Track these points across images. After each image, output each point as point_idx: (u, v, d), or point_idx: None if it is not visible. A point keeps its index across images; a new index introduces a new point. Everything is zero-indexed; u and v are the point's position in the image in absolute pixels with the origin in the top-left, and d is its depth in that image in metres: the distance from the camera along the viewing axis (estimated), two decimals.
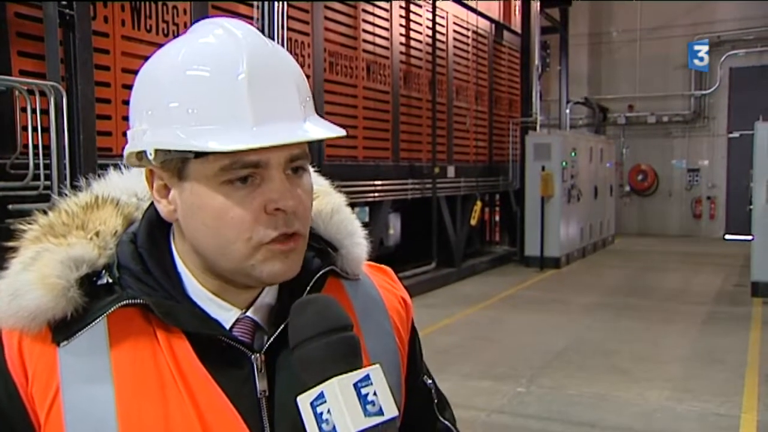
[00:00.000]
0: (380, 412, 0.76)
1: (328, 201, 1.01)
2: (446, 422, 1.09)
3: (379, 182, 8.83)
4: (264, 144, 0.77)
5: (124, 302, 0.83)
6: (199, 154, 0.80)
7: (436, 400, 1.09)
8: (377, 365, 0.79)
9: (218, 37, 0.82)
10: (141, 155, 0.86)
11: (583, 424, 4.73)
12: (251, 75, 0.79)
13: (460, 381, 5.56)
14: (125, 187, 0.96)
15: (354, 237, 1.00)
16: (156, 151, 0.82)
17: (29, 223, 0.89)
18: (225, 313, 0.88)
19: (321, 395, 0.76)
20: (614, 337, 7.14)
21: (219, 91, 0.79)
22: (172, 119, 0.80)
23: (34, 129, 4.16)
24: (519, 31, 13.23)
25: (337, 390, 0.75)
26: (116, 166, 0.98)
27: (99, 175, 0.97)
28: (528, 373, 5.81)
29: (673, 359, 6.28)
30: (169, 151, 0.81)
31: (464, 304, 8.96)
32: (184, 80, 0.80)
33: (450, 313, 8.26)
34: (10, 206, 4.17)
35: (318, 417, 0.75)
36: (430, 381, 1.09)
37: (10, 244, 0.88)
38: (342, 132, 0.85)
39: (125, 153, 0.88)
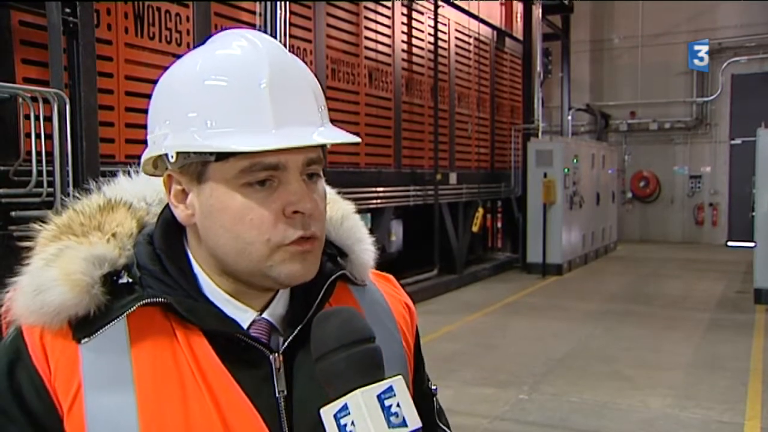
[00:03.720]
0: (404, 424, 0.76)
1: (338, 208, 1.03)
2: (444, 428, 1.11)
3: (381, 189, 8.84)
4: (285, 145, 0.80)
5: (146, 301, 0.84)
6: (219, 157, 0.82)
7: (437, 407, 1.10)
8: (399, 376, 0.79)
9: (241, 48, 0.85)
10: (157, 163, 0.89)
11: (585, 431, 4.72)
12: (272, 83, 0.82)
13: (462, 388, 5.55)
14: (134, 192, 0.97)
15: (363, 243, 1.02)
16: (177, 155, 0.84)
17: (45, 223, 0.90)
18: (241, 314, 0.89)
19: (345, 407, 0.76)
20: (616, 344, 7.12)
21: (241, 98, 0.81)
22: (195, 123, 0.82)
23: (38, 136, 4.17)
24: (521, 37, 13.25)
25: (361, 402, 0.76)
26: (121, 173, 0.99)
27: (106, 181, 0.98)
28: (530, 380, 5.80)
29: (676, 366, 6.26)
30: (189, 154, 0.83)
31: (466, 310, 8.95)
32: (206, 90, 0.82)
33: (452, 320, 8.25)
34: (13, 213, 4.18)
35: (342, 429, 0.76)
36: (434, 387, 1.11)
37: (27, 244, 0.89)
38: (357, 139, 0.88)
39: (142, 160, 0.91)
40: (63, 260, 0.84)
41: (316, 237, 0.86)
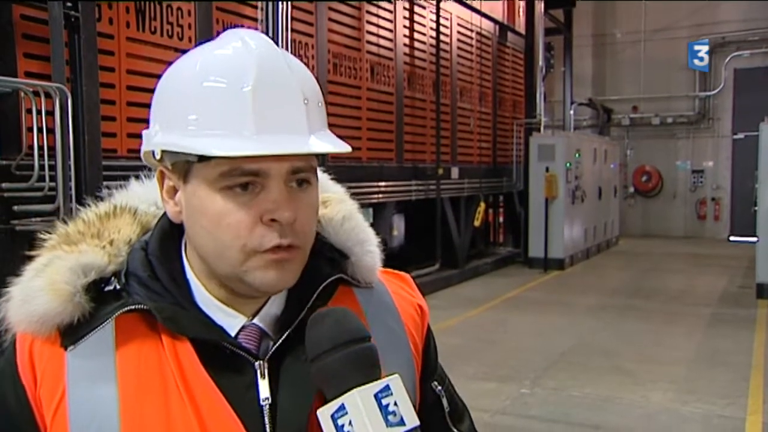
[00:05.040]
0: (402, 422, 0.76)
1: (339, 209, 1.01)
2: None
3: (383, 183, 8.84)
4: (258, 152, 0.78)
5: (129, 308, 0.85)
6: (202, 158, 0.81)
7: (448, 409, 1.04)
8: (396, 375, 0.79)
9: (233, 49, 0.84)
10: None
11: (586, 425, 4.73)
12: (257, 87, 0.80)
13: (464, 382, 5.55)
14: (145, 197, 0.98)
15: (365, 245, 0.99)
16: (164, 152, 0.85)
17: (48, 233, 0.92)
18: (231, 320, 0.89)
19: (342, 407, 0.76)
20: (618, 338, 7.13)
21: (224, 101, 0.81)
22: (180, 124, 0.82)
23: (39, 130, 4.17)
24: (523, 32, 13.23)
25: (359, 401, 0.75)
26: (133, 178, 1.00)
27: (118, 185, 1.00)
28: (531, 375, 5.81)
29: (678, 361, 6.27)
30: (177, 153, 0.83)
31: (468, 305, 8.96)
32: (194, 90, 0.82)
33: (453, 315, 8.26)
34: (15, 207, 4.18)
35: (339, 429, 0.75)
36: (440, 387, 1.04)
37: (30, 253, 0.91)
38: (346, 148, 0.85)
39: (142, 154, 0.92)
40: (50, 270, 0.86)
41: (295, 246, 0.84)
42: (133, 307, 0.85)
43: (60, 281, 0.84)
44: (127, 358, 0.84)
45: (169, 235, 0.91)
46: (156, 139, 0.85)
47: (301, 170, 0.84)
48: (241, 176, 0.81)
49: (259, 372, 0.86)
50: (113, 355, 0.84)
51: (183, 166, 0.84)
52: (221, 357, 0.85)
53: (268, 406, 0.85)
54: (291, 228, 0.83)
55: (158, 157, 0.86)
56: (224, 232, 0.83)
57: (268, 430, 0.85)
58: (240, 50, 0.83)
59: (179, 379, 0.84)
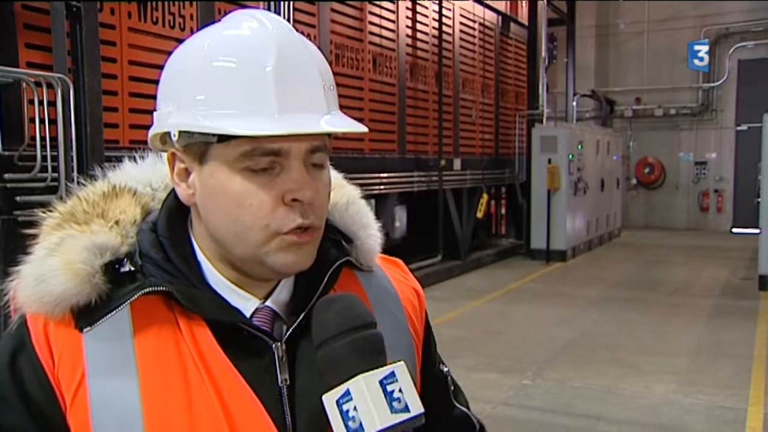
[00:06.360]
0: (406, 409, 0.76)
1: (343, 193, 1.02)
2: (462, 408, 1.10)
3: (385, 175, 8.83)
4: (286, 131, 0.78)
5: (147, 290, 0.83)
6: (221, 139, 0.81)
7: (452, 387, 1.10)
8: (402, 362, 0.79)
9: (251, 29, 0.83)
10: (165, 138, 0.87)
11: (588, 417, 4.74)
12: (278, 67, 0.80)
13: (466, 373, 5.56)
14: (140, 178, 0.97)
15: (368, 229, 1.01)
16: (179, 133, 0.83)
17: (49, 211, 0.89)
18: (244, 302, 0.89)
19: (347, 393, 0.76)
20: (620, 330, 7.13)
21: (245, 81, 0.80)
22: (196, 104, 0.81)
23: (42, 121, 4.17)
24: (526, 23, 13.18)
25: (364, 387, 0.76)
26: (127, 158, 0.99)
27: (112, 166, 0.97)
28: (534, 366, 5.81)
29: (680, 352, 6.27)
30: (193, 134, 0.82)
31: (470, 296, 8.96)
32: (211, 70, 0.81)
33: (456, 306, 8.27)
34: (18, 198, 4.19)
35: (344, 414, 0.76)
36: (446, 368, 1.10)
37: (31, 231, 0.89)
38: (364, 128, 0.86)
39: (150, 135, 0.90)
40: (64, 249, 0.84)
41: (314, 227, 0.85)
42: (151, 289, 0.83)
43: (77, 261, 0.82)
44: (146, 342, 0.83)
45: (176, 217, 0.91)
46: (171, 119, 0.84)
47: (319, 149, 0.85)
48: (263, 156, 0.81)
49: (277, 354, 0.86)
50: (131, 339, 0.83)
51: (199, 147, 0.83)
52: (239, 339, 0.85)
53: (286, 388, 0.86)
54: (311, 208, 0.84)
55: (176, 138, 0.84)
56: (246, 213, 0.82)
57: (287, 412, 0.85)
58: (257, 30, 0.83)
59: (199, 361, 0.83)
